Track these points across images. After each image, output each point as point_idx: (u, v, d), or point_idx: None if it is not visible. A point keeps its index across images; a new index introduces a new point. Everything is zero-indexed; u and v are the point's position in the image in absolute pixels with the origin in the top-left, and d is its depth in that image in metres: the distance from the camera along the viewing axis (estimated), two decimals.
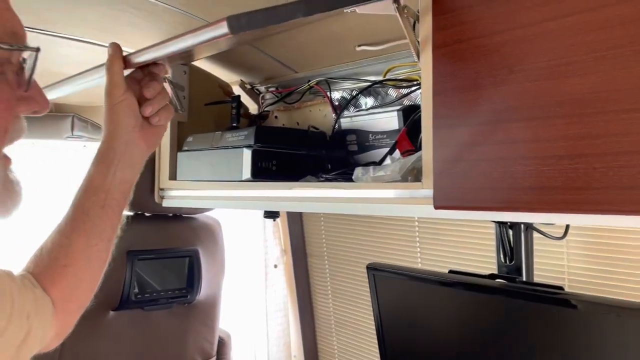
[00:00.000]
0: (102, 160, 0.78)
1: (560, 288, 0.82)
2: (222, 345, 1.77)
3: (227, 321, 1.79)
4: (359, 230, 1.42)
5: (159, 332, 1.58)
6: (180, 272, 1.57)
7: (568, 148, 0.61)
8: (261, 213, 1.67)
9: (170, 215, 1.61)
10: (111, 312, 1.47)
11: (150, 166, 1.40)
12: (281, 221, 1.68)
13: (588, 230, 0.98)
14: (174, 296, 1.56)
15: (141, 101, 0.81)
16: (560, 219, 0.70)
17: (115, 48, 0.80)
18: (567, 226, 0.90)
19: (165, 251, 1.55)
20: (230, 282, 1.75)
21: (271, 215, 1.36)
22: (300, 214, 1.60)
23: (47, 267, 0.74)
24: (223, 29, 0.67)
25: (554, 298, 0.81)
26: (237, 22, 0.66)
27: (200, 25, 0.72)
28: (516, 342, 0.87)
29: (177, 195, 1.35)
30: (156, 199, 1.41)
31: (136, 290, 1.48)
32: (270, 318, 1.69)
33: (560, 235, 0.91)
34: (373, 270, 1.08)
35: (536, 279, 0.98)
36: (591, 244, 0.98)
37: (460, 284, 0.94)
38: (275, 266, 1.69)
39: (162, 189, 1.38)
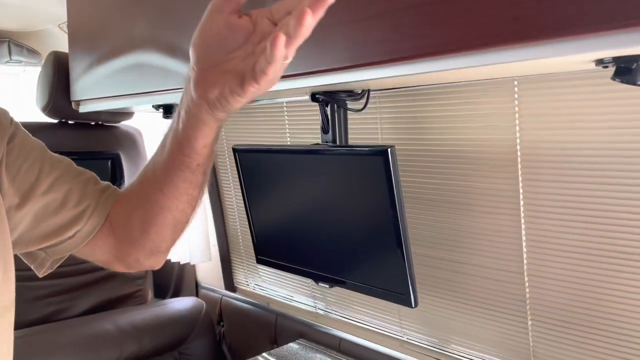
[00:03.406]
0: None
1: (348, 146, 1.09)
2: None
3: None
4: (248, 125, 1.67)
5: None
6: (104, 173, 1.82)
7: None
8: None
9: (93, 123, 1.84)
10: None
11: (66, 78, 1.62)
12: None
13: (395, 108, 1.23)
14: None
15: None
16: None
17: None
18: (366, 102, 1.16)
19: (88, 154, 1.79)
20: None
21: (169, 115, 1.59)
22: None
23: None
24: None
25: (336, 152, 1.08)
26: None
27: None
28: (332, 185, 1.15)
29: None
30: (73, 106, 1.64)
31: None
32: None
33: (361, 107, 1.16)
34: (237, 151, 1.34)
35: None
36: (398, 119, 1.24)
37: (294, 151, 1.21)
38: None
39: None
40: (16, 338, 1.64)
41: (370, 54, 0.78)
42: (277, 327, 1.79)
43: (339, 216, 1.14)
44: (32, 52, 2.25)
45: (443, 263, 1.20)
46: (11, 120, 0.77)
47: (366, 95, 1.16)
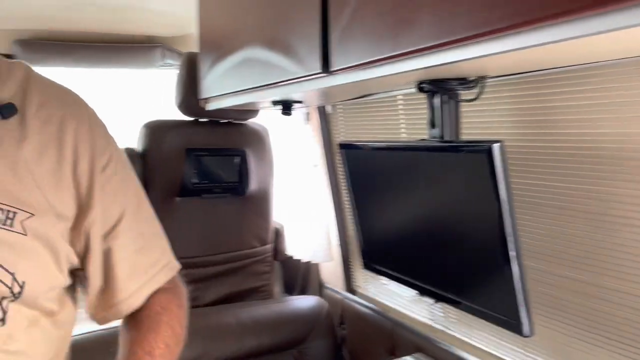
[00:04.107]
0: None
1: (450, 142, 0.94)
2: (277, 234, 2.08)
3: (280, 214, 2.08)
4: (363, 121, 1.58)
5: (219, 218, 1.92)
6: (232, 168, 1.88)
7: None
8: (299, 119, 1.90)
9: (224, 121, 1.91)
10: (177, 198, 1.83)
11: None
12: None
13: (514, 97, 1.04)
14: (226, 188, 1.87)
15: None
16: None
17: None
18: (480, 91, 0.99)
19: (218, 150, 1.86)
20: (280, 180, 2.02)
21: (286, 112, 1.57)
22: (325, 116, 1.79)
23: None
24: None
25: (444, 147, 0.94)
26: None
27: None
28: (437, 187, 1.01)
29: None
30: (201, 104, 1.70)
31: (195, 180, 1.82)
32: (313, 211, 1.94)
33: (474, 96, 1.00)
34: (344, 148, 1.26)
35: None
36: (517, 111, 1.05)
37: (396, 147, 1.10)
38: (315, 165, 1.92)
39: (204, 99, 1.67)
40: None
41: (457, 29, 0.64)
42: (395, 336, 1.67)
43: (445, 223, 1.00)
44: (182, 56, 2.42)
45: (575, 284, 0.99)
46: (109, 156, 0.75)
47: (480, 83, 0.99)
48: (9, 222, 0.63)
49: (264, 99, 1.43)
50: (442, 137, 1.05)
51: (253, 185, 1.92)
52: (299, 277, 2.26)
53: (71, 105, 0.72)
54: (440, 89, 1.02)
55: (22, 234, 0.64)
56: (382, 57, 0.78)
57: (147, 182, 1.78)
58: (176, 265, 0.84)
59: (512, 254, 0.82)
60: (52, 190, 0.67)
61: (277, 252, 2.09)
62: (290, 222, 2.07)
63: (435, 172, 1.00)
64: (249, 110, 1.86)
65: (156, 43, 2.45)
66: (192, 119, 1.87)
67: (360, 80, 0.91)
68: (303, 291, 2.25)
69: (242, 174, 1.89)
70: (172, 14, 2.17)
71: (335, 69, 0.91)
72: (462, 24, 0.63)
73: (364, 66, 0.84)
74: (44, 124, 0.68)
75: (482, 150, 0.81)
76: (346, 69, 0.89)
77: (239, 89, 1.39)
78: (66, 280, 0.71)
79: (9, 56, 2.44)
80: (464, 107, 1.05)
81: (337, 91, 1.40)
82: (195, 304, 1.90)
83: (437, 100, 1.04)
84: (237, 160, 1.88)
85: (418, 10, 0.69)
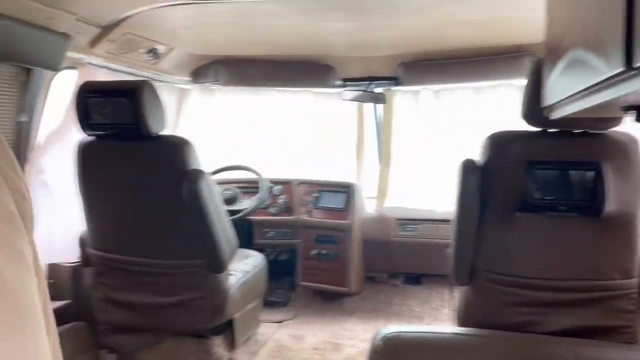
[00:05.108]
0: None
1: None
2: None
3: None
4: None
5: (567, 240, 1.71)
6: (582, 184, 1.64)
7: None
8: None
9: (577, 132, 1.68)
10: (517, 213, 1.72)
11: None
12: None
13: None
14: (575, 206, 1.65)
15: None
16: None
17: None
18: None
19: (565, 163, 1.66)
20: None
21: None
22: None
23: None
24: None
25: None
26: None
27: None
28: None
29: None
30: (544, 113, 1.56)
31: (537, 195, 1.67)
32: None
33: None
34: None
35: None
36: None
37: None
38: None
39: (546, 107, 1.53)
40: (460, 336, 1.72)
41: None
42: None
43: None
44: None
45: None
46: None
47: None
48: None
49: (588, 105, 1.21)
50: None
51: (612, 205, 1.63)
52: None
53: None
54: None
55: None
56: None
57: (485, 194, 1.75)
58: None
59: None
60: None
61: None
62: None
63: None
64: (608, 118, 1.59)
65: (524, 51, 2.37)
66: (538, 129, 1.73)
67: None
68: None
69: (597, 191, 1.62)
70: (539, 20, 2.06)
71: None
72: None
73: None
74: None
75: None
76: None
77: (566, 95, 1.22)
78: None
79: (394, 78, 2.82)
80: None
81: None
82: (534, 330, 1.75)
83: None
84: (589, 175, 1.63)
85: None
